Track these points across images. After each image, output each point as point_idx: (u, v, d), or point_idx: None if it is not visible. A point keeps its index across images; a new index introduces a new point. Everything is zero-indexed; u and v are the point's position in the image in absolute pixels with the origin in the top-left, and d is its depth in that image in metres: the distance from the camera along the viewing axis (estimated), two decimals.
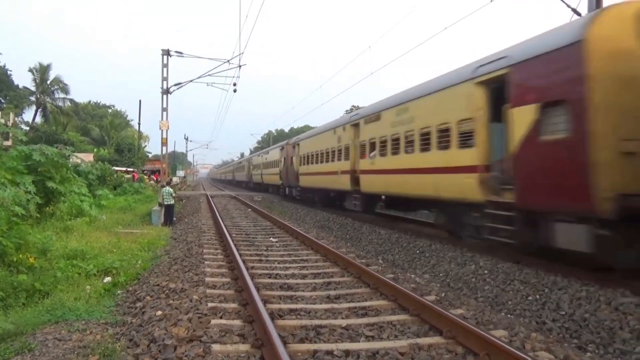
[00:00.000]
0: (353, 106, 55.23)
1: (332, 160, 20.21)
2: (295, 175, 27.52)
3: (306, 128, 63.81)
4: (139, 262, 10.10)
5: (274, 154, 36.09)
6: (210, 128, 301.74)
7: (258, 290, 7.21)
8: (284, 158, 30.95)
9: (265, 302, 6.60)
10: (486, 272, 8.85)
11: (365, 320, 6.22)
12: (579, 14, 12.89)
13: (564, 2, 13.60)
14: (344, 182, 18.54)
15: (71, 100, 55.63)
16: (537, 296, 7.34)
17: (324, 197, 23.24)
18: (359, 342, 5.44)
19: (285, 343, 5.07)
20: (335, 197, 21.83)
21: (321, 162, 22.00)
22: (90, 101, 76.38)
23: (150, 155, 65.52)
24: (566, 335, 6.15)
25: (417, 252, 11.30)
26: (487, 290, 8.09)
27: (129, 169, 42.26)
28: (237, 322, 5.98)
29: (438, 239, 12.17)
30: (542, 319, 6.65)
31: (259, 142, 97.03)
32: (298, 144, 27.70)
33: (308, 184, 24.97)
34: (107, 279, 8.64)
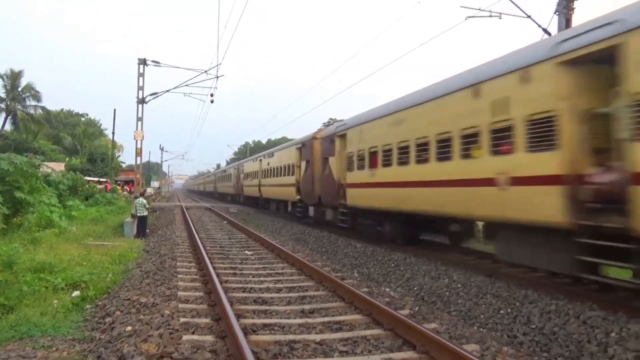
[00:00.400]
0: (331, 119, 55.43)
1: (464, 156, 9.96)
2: (334, 188, 17.30)
3: (284, 140, 63.10)
4: (110, 275, 9.86)
5: (285, 155, 25.53)
6: (187, 139, 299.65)
7: (231, 304, 7.12)
8: (307, 161, 21.14)
9: (238, 316, 6.52)
10: (459, 285, 8.96)
11: (339, 335, 6.20)
12: (549, 34, 13.38)
13: (534, 21, 14.12)
14: (521, 204, 8.31)
15: (43, 108, 54.33)
16: (509, 310, 7.46)
17: (409, 227, 13.58)
18: (333, 357, 5.42)
19: (258, 359, 5.01)
20: (452, 234, 12.94)
21: (419, 161, 11.74)
22: (62, 109, 74.99)
23: (124, 166, 64.42)
24: (536, 348, 6.24)
25: (392, 265, 11.36)
26: (460, 304, 8.18)
27: (101, 179, 41.46)
28: (210, 338, 5.89)
29: (412, 252, 12.26)
30: (514, 333, 6.75)
31: (235, 154, 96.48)
32: (344, 135, 16.69)
33: (370, 202, 14.59)
34: (76, 293, 8.40)
